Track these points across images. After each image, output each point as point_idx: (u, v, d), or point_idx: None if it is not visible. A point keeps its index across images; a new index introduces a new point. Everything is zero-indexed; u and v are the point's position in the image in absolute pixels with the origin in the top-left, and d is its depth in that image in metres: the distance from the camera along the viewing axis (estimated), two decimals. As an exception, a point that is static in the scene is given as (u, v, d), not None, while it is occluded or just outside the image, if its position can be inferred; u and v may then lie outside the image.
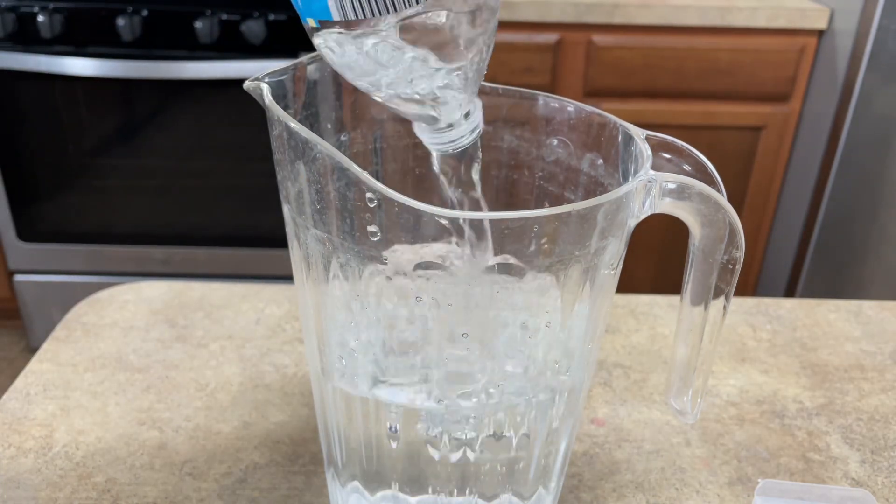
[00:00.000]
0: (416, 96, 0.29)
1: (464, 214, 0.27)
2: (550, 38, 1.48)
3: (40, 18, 1.39)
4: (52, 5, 1.40)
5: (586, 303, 0.30)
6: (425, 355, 0.30)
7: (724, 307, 0.32)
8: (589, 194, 0.35)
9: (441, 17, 0.26)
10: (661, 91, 1.52)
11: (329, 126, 0.36)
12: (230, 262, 1.63)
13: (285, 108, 0.32)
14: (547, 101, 0.36)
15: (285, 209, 0.31)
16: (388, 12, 0.25)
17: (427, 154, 0.38)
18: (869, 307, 0.59)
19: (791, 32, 1.48)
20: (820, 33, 1.49)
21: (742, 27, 1.47)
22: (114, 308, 0.56)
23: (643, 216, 0.30)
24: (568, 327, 0.31)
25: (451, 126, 0.31)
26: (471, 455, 0.32)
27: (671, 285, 1.68)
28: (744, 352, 0.53)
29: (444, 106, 0.29)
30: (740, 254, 0.31)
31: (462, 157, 0.32)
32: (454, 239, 0.29)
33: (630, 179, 0.31)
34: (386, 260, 0.29)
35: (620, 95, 1.53)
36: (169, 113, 1.51)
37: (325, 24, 0.26)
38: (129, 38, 1.41)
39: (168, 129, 1.53)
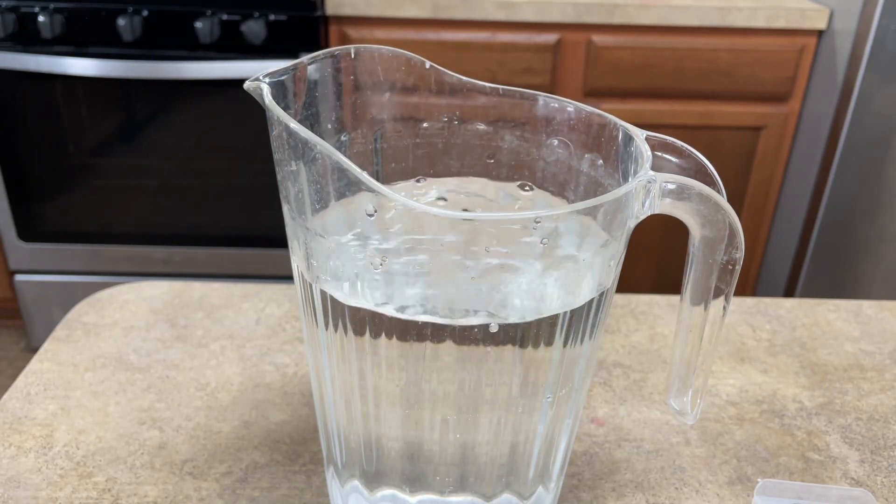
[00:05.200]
0: None
1: (463, 215, 0.27)
2: (550, 38, 1.48)
3: (41, 18, 1.39)
4: (52, 5, 1.40)
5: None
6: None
7: (724, 307, 0.32)
8: (589, 194, 0.35)
9: None
10: (661, 91, 1.52)
11: (329, 126, 0.36)
12: (230, 262, 1.64)
13: (285, 108, 0.32)
14: (547, 102, 0.36)
15: (285, 209, 0.31)
16: None
17: (427, 153, 0.38)
18: (868, 307, 0.59)
19: (790, 32, 1.48)
20: (819, 33, 1.49)
21: (741, 27, 1.47)
22: (114, 308, 0.56)
23: (643, 217, 0.30)
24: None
25: None
26: (470, 453, 0.32)
27: (671, 285, 1.69)
28: (743, 351, 0.53)
29: None
30: (740, 254, 0.31)
31: None
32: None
33: (630, 180, 0.31)
34: (385, 260, 0.29)
35: (620, 95, 1.53)
36: (169, 113, 1.51)
37: None
38: (130, 38, 1.41)
39: (168, 129, 1.53)
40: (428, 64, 0.36)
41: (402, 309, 0.29)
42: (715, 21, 1.46)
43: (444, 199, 0.38)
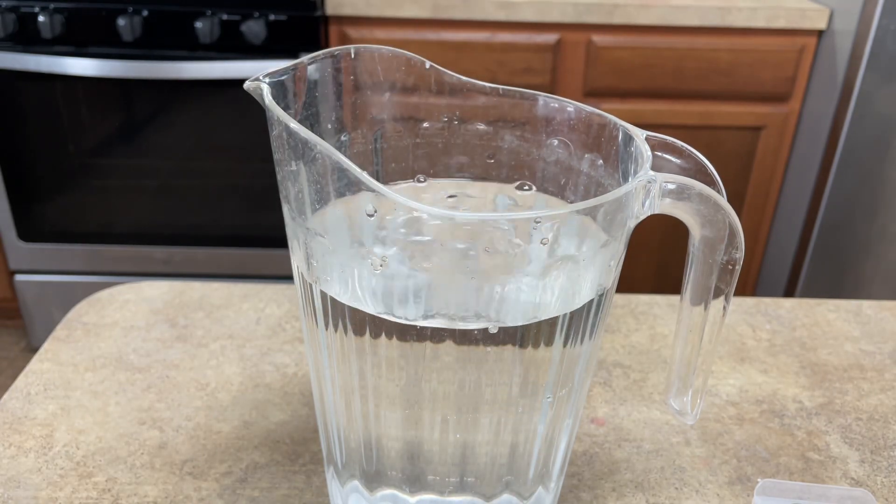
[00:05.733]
0: None
1: (463, 215, 0.27)
2: (550, 38, 1.48)
3: (41, 18, 1.39)
4: (52, 5, 1.40)
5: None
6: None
7: (724, 307, 0.32)
8: (589, 194, 0.35)
9: None
10: (661, 91, 1.52)
11: (329, 126, 0.36)
12: (230, 262, 1.64)
13: (285, 108, 0.32)
14: (547, 102, 0.36)
15: (285, 209, 0.31)
16: None
17: (427, 153, 0.38)
18: (868, 307, 0.59)
19: (790, 32, 1.48)
20: (819, 33, 1.49)
21: (741, 27, 1.47)
22: (114, 308, 0.56)
23: (643, 217, 0.30)
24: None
25: None
26: (470, 453, 0.32)
27: (671, 285, 1.69)
28: (743, 351, 0.53)
29: None
30: (740, 254, 0.31)
31: None
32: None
33: (630, 180, 0.31)
34: (385, 260, 0.29)
35: (620, 95, 1.53)
36: (169, 113, 1.51)
37: None
38: (130, 38, 1.41)
39: (168, 129, 1.53)
40: (428, 64, 0.36)
41: (402, 315, 0.29)
42: (715, 21, 1.46)
43: (454, 196, 0.38)
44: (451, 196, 0.38)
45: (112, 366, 0.50)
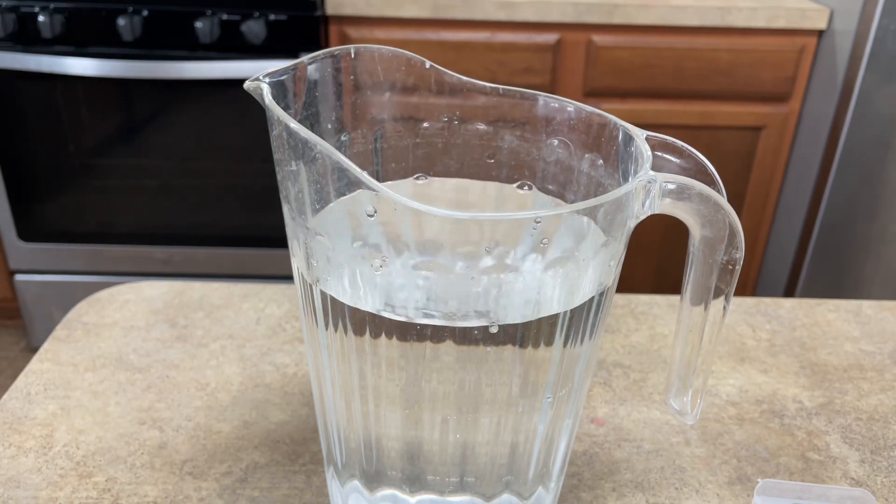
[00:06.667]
0: None
1: (463, 215, 0.27)
2: (550, 38, 1.48)
3: (41, 18, 1.39)
4: (52, 5, 1.40)
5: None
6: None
7: (724, 307, 0.32)
8: (589, 194, 0.35)
9: None
10: (661, 91, 1.52)
11: (329, 126, 0.36)
12: (230, 262, 1.64)
13: (286, 108, 0.32)
14: (547, 101, 0.36)
15: (285, 209, 0.31)
16: None
17: (427, 153, 0.38)
18: (868, 307, 0.59)
19: (791, 32, 1.48)
20: (819, 33, 1.49)
21: (741, 27, 1.47)
22: (114, 308, 0.56)
23: (643, 217, 0.30)
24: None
25: None
26: (470, 453, 0.32)
27: (671, 285, 1.69)
28: (743, 351, 0.53)
29: None
30: (740, 254, 0.31)
31: None
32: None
33: (630, 180, 0.31)
34: (385, 260, 0.29)
35: (620, 95, 1.53)
36: (169, 113, 1.51)
37: None
38: (130, 38, 1.41)
39: (168, 129, 1.53)
40: (428, 64, 0.36)
41: (402, 313, 0.29)
42: (715, 21, 1.46)
43: (425, 177, 0.38)
44: (419, 177, 0.38)
45: (112, 366, 0.50)
